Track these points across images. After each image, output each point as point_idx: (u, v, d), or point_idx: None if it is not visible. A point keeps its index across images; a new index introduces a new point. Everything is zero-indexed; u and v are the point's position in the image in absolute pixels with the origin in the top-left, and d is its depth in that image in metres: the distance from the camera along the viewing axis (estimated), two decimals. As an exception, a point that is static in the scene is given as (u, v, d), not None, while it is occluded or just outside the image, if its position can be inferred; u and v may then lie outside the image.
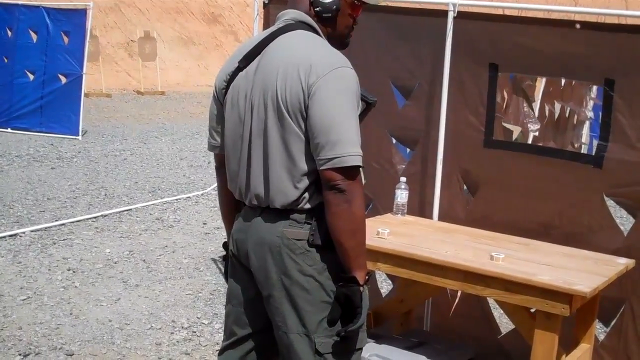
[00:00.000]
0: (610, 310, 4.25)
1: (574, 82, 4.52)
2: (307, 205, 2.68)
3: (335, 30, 2.82)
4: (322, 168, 2.56)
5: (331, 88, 2.57)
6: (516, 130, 4.84)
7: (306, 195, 2.67)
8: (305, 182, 2.65)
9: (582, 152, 4.73)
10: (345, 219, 2.58)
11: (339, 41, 2.83)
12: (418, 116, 4.82)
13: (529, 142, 4.74)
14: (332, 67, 2.60)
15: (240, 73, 2.79)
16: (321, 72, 2.58)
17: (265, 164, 2.70)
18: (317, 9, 2.75)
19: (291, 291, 2.71)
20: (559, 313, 3.42)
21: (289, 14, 2.80)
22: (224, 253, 3.05)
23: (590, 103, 4.51)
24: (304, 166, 2.64)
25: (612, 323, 4.33)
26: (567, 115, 4.53)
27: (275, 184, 2.68)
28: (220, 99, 2.88)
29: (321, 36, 2.77)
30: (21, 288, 5.72)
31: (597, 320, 4.11)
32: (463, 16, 4.57)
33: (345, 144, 2.54)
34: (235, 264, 2.93)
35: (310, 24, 2.77)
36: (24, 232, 7.10)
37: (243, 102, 2.76)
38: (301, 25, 2.76)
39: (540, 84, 4.94)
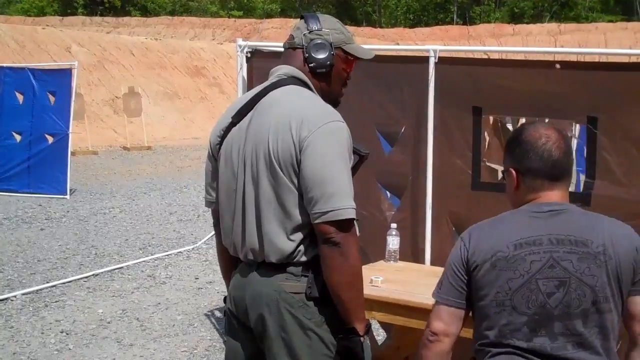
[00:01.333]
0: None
1: (547, 120, 4.56)
2: (303, 258, 2.68)
3: (330, 85, 2.86)
4: (316, 222, 2.58)
5: (323, 142, 2.60)
6: (500, 169, 4.88)
7: (301, 248, 2.67)
8: (299, 235, 2.66)
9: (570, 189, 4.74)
10: (342, 272, 2.59)
11: (333, 96, 2.88)
12: (404, 162, 4.85)
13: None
14: (324, 122, 2.63)
15: (234, 128, 2.82)
16: (313, 127, 2.61)
17: (258, 218, 2.71)
18: (312, 64, 2.80)
19: (291, 346, 2.69)
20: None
21: (282, 70, 2.84)
22: (224, 307, 3.03)
23: (574, 141, 4.55)
24: (297, 219, 2.64)
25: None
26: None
27: (270, 238, 2.68)
28: (214, 154, 2.90)
29: (313, 91, 2.81)
30: (14, 353, 5.66)
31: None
32: (444, 61, 4.62)
33: (339, 197, 2.57)
34: (233, 322, 2.90)
35: (303, 79, 2.81)
36: (15, 296, 7.04)
37: (236, 156, 2.78)
38: (293, 81, 2.80)
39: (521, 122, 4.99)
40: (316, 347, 2.69)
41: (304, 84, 2.81)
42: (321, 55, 2.79)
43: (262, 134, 2.69)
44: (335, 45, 2.82)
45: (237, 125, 2.81)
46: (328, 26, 2.84)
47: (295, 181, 2.63)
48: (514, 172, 2.53)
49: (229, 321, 2.94)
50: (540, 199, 2.49)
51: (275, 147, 2.64)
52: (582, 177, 4.36)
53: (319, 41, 2.80)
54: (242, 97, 2.95)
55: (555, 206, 2.46)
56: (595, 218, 2.51)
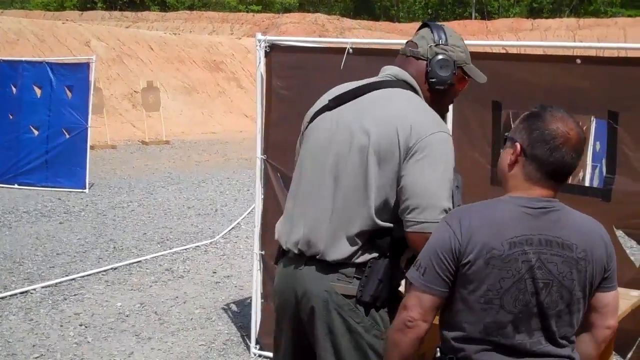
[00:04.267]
0: (626, 343, 4.21)
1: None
2: (358, 260, 2.65)
3: (441, 100, 2.84)
4: (408, 230, 2.56)
5: (428, 153, 2.57)
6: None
7: (360, 251, 2.64)
8: (362, 237, 2.64)
9: (585, 183, 4.73)
10: None
11: (440, 111, 2.83)
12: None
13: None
14: (432, 131, 2.60)
15: (327, 113, 2.78)
16: (422, 135, 2.58)
17: (326, 211, 2.68)
18: (433, 80, 2.76)
19: (337, 348, 2.68)
20: (575, 349, 3.38)
21: (392, 70, 2.81)
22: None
23: (590, 137, 4.52)
24: (367, 221, 2.62)
25: (629, 356, 4.29)
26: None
27: (335, 235, 2.65)
28: (304, 133, 2.89)
29: (421, 97, 2.76)
30: (34, 346, 5.70)
31: (614, 353, 4.07)
32: (463, 56, 4.59)
33: (434, 210, 2.54)
34: (280, 314, 2.88)
35: (413, 85, 2.76)
36: (34, 289, 7.08)
37: (322, 144, 2.74)
38: (402, 84, 2.76)
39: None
40: (362, 352, 2.68)
41: (412, 89, 2.76)
42: (444, 73, 2.76)
43: (361, 131, 2.64)
44: (458, 64, 2.80)
45: (332, 112, 2.77)
46: (453, 42, 2.81)
47: (384, 184, 2.60)
48: (519, 147, 2.45)
49: (277, 314, 2.92)
50: (532, 192, 2.44)
51: (377, 148, 2.60)
52: (597, 172, 4.33)
53: (444, 57, 2.76)
54: (344, 84, 2.89)
55: (546, 203, 2.43)
56: (580, 220, 2.49)
